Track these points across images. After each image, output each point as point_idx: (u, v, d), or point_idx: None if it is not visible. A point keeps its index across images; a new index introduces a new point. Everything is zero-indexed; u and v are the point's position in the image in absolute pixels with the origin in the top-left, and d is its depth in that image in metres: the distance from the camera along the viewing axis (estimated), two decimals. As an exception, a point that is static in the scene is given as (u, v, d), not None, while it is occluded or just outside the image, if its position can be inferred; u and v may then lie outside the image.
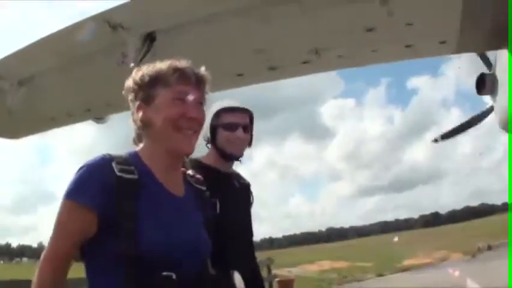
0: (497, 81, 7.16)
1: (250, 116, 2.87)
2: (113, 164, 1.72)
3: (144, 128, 1.87)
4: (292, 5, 4.53)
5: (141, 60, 4.80)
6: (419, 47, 5.25)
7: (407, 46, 5.18)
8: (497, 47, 5.91)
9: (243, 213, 2.86)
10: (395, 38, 4.97)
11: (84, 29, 4.75)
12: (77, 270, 1.96)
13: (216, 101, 2.88)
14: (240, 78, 5.92)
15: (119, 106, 5.37)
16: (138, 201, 1.70)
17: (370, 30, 4.74)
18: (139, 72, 1.90)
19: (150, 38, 4.88)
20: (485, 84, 7.45)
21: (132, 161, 1.79)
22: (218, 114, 2.80)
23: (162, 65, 1.88)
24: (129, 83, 1.91)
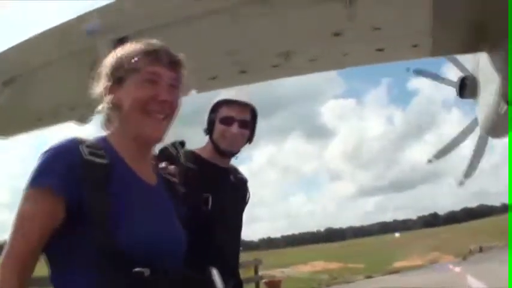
0: (478, 84, 7.09)
1: (252, 111, 2.70)
2: (81, 147, 1.55)
3: (114, 111, 1.71)
4: (261, 9, 4.49)
5: None
6: (391, 51, 5.24)
7: (379, 50, 5.15)
8: (476, 50, 5.85)
9: (235, 209, 2.72)
10: (365, 42, 4.96)
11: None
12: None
13: (222, 91, 2.77)
14: (213, 82, 5.90)
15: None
16: (109, 189, 1.53)
17: (337, 34, 4.74)
18: (113, 53, 1.78)
19: (121, 43, 4.84)
20: (466, 87, 7.40)
21: (101, 145, 1.63)
22: (216, 106, 2.68)
23: (134, 45, 1.75)
24: (102, 66, 1.78)
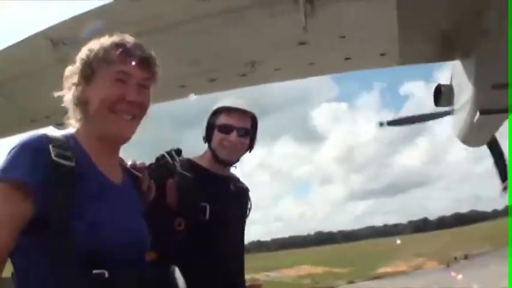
0: (453, 92, 7.02)
1: (252, 118, 2.64)
2: (50, 147, 1.55)
3: (81, 108, 1.69)
4: (227, 18, 4.47)
5: None
6: (358, 59, 5.27)
7: (347, 58, 5.11)
8: (448, 58, 5.81)
9: (236, 219, 2.65)
10: (331, 50, 4.94)
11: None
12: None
13: (222, 98, 2.71)
14: (183, 90, 5.88)
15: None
16: (74, 191, 1.53)
17: (302, 43, 4.70)
18: (83, 48, 1.74)
19: None
20: (441, 96, 7.32)
21: (69, 144, 1.62)
22: (216, 113, 2.61)
23: (106, 40, 1.72)
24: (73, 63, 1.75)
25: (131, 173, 1.85)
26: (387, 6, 4.14)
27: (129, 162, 1.91)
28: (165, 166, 2.47)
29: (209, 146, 2.62)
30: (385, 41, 4.79)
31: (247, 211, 2.74)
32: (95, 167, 1.66)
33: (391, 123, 9.62)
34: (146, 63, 1.72)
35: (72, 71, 1.72)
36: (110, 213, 1.61)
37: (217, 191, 2.55)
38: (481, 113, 5.98)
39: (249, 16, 4.28)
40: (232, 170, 2.76)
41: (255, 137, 2.69)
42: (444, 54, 5.44)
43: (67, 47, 4.93)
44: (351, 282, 22.89)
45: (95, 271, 1.47)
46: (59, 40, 4.83)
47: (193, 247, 2.26)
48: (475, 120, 6.21)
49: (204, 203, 2.45)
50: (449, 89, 7.19)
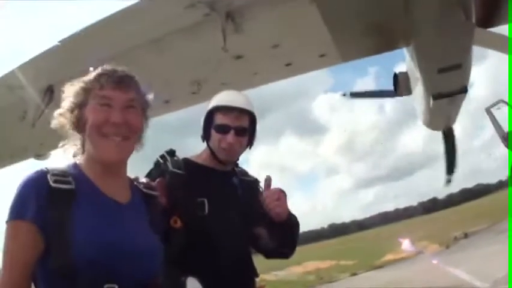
0: (409, 80, 7.08)
1: (250, 116, 2.55)
2: (48, 176, 1.66)
3: (78, 136, 1.83)
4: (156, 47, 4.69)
5: (43, 112, 5.24)
6: (299, 64, 5.37)
7: (288, 65, 5.16)
8: (392, 47, 5.81)
9: (240, 212, 2.53)
10: (270, 59, 5.04)
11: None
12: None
13: (219, 94, 2.64)
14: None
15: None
16: (73, 211, 1.62)
17: (239, 57, 4.75)
18: (72, 84, 1.85)
19: (50, 90, 5.14)
20: (399, 84, 7.38)
21: (70, 172, 1.72)
22: (212, 112, 2.54)
23: (90, 73, 1.83)
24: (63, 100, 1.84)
25: (143, 192, 1.91)
26: (310, 12, 4.22)
27: (142, 180, 1.99)
28: (156, 167, 2.51)
29: (208, 145, 2.58)
30: (321, 42, 4.87)
31: (258, 203, 2.57)
32: (97, 188, 1.73)
33: (354, 95, 9.82)
34: (126, 84, 1.79)
35: (64, 108, 1.82)
36: (115, 232, 1.67)
37: (216, 185, 2.51)
38: (433, 98, 6.06)
39: (174, 43, 4.51)
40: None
41: (254, 134, 2.61)
42: (385, 45, 5.44)
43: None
44: (354, 274, 22.76)
45: (106, 285, 1.58)
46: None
47: (192, 242, 2.23)
48: (430, 105, 6.29)
49: (201, 198, 2.41)
50: (406, 76, 7.29)
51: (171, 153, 2.54)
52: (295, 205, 2.57)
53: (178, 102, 5.92)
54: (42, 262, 1.60)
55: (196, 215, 2.37)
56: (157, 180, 2.26)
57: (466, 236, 28.14)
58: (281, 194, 2.46)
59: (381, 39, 5.26)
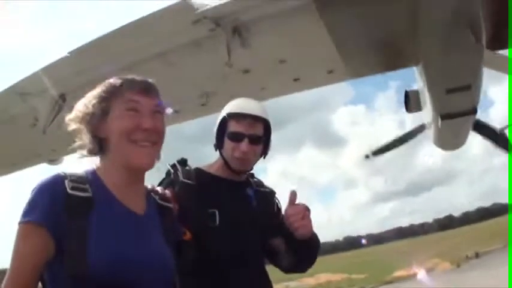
0: (419, 98, 7.03)
1: (264, 124, 2.46)
2: (66, 182, 1.65)
3: (101, 144, 1.78)
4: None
5: (53, 120, 5.36)
6: (307, 79, 5.39)
7: (296, 80, 5.17)
8: (400, 66, 5.80)
9: (253, 224, 2.44)
10: (277, 74, 5.02)
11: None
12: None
13: (232, 101, 2.57)
14: None
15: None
16: (90, 220, 1.61)
17: (246, 71, 4.77)
18: (90, 93, 1.83)
19: (62, 99, 5.21)
20: (410, 101, 7.34)
21: (88, 178, 1.71)
22: (225, 120, 2.46)
23: (113, 79, 1.82)
24: (80, 106, 1.82)
25: (157, 203, 1.89)
26: (317, 28, 4.24)
27: (158, 190, 1.97)
28: (167, 177, 2.44)
29: (220, 154, 2.50)
30: (328, 59, 4.88)
31: (274, 213, 2.56)
32: (114, 197, 1.72)
33: (376, 153, 9.69)
34: (152, 89, 1.80)
35: (79, 115, 1.79)
36: (129, 242, 1.66)
37: (228, 196, 2.43)
38: (442, 118, 6.01)
39: (182, 56, 4.59)
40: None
41: (268, 143, 2.52)
42: (393, 63, 5.43)
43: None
44: (362, 288, 22.75)
45: None
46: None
47: (201, 254, 2.14)
48: (439, 125, 6.24)
49: (212, 209, 2.34)
50: (417, 94, 7.24)
51: (183, 162, 2.47)
52: (312, 217, 2.41)
53: (187, 113, 5.94)
54: (51, 266, 1.61)
55: (207, 227, 2.31)
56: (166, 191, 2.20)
57: (477, 255, 27.65)
58: (306, 213, 2.37)
59: (390, 58, 5.26)
